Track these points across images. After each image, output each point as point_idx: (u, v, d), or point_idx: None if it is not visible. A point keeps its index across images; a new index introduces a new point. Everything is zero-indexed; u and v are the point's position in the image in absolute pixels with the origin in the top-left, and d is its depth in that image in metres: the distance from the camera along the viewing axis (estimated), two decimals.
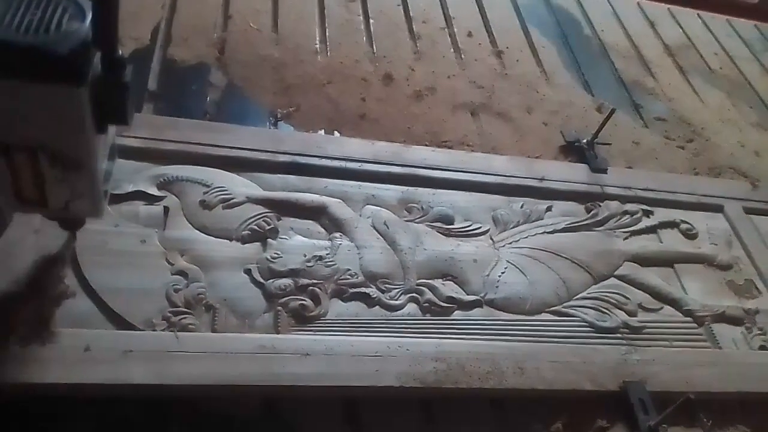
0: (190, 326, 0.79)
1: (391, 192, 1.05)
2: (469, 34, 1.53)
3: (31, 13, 0.56)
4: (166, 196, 0.91)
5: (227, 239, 0.90)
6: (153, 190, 0.91)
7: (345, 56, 1.33)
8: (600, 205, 1.15)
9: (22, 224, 0.80)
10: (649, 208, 1.19)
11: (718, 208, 1.24)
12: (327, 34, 1.37)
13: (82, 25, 0.57)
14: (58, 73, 0.56)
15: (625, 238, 1.12)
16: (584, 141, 1.28)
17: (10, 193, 0.65)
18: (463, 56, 1.46)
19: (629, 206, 1.17)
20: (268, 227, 0.92)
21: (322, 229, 0.96)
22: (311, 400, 0.79)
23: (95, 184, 0.67)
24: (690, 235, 1.18)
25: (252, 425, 0.76)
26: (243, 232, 0.91)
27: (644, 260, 1.09)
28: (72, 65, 0.56)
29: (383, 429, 0.80)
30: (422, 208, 1.04)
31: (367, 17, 1.46)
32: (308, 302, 0.85)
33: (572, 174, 1.19)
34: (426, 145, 1.17)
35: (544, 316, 0.96)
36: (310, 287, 0.87)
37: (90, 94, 0.58)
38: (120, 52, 0.59)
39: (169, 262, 0.84)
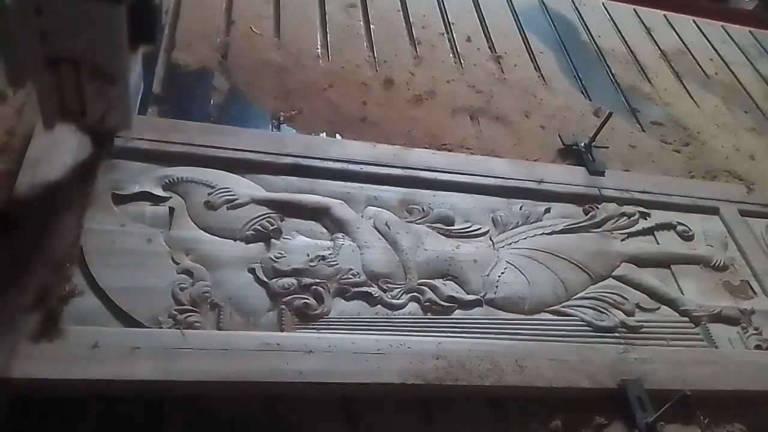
0: (195, 324, 0.80)
1: (393, 193, 1.06)
2: (468, 40, 1.55)
3: None
4: (171, 197, 0.93)
5: (231, 239, 0.91)
6: (159, 191, 0.93)
7: (346, 61, 1.35)
8: (597, 207, 1.17)
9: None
10: (645, 210, 1.20)
11: (713, 211, 1.26)
12: (328, 39, 1.39)
13: None
14: None
15: (623, 240, 1.14)
16: (582, 144, 1.30)
17: (55, 105, 0.75)
18: (462, 61, 1.48)
19: (626, 208, 1.19)
20: (272, 227, 0.94)
21: (325, 230, 0.97)
22: (312, 400, 0.80)
23: (128, 96, 0.78)
24: (686, 236, 1.19)
25: (252, 425, 0.77)
26: (247, 233, 0.92)
27: (641, 261, 1.11)
28: None
29: (383, 429, 0.81)
30: (423, 209, 1.06)
31: (367, 23, 1.48)
32: (311, 301, 0.87)
33: (570, 177, 1.21)
34: (426, 148, 1.18)
35: (543, 315, 0.97)
36: (313, 286, 0.88)
37: (126, 14, 0.69)
38: None
39: (174, 262, 0.85)
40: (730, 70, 1.82)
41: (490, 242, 1.05)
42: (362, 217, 1.01)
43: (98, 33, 0.70)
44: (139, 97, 0.86)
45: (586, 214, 1.16)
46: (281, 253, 0.91)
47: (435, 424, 0.83)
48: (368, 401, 0.82)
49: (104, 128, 0.83)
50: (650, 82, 1.65)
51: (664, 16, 1.95)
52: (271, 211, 0.96)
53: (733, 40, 1.97)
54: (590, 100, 1.51)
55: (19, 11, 0.68)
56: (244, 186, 0.98)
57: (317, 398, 0.80)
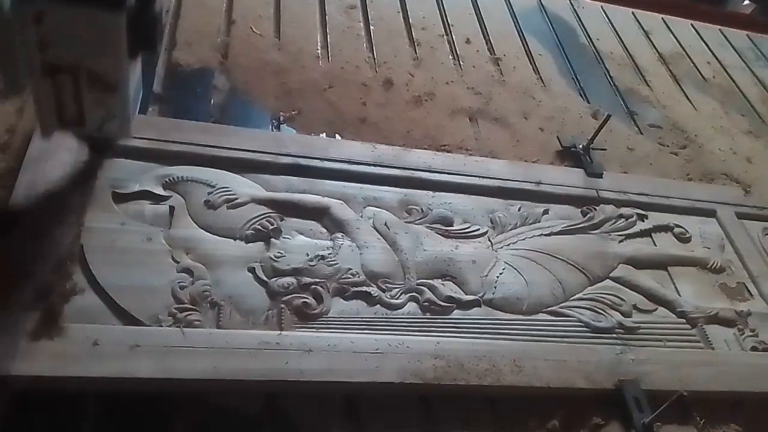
0: (195, 322, 0.80)
1: (392, 194, 1.07)
2: (468, 42, 1.55)
3: None
4: (171, 196, 0.93)
5: (231, 238, 0.91)
6: (159, 190, 0.93)
7: (346, 62, 1.35)
8: (595, 209, 1.18)
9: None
10: (643, 212, 1.21)
11: (710, 213, 1.26)
12: (328, 40, 1.39)
13: None
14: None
15: (620, 241, 1.14)
16: (580, 146, 1.30)
17: (53, 113, 0.74)
18: (461, 63, 1.48)
19: (624, 210, 1.19)
20: (272, 227, 0.94)
21: (324, 230, 0.98)
22: (311, 398, 0.80)
23: (126, 105, 0.77)
24: (683, 238, 1.20)
25: (251, 423, 0.77)
26: (247, 232, 0.92)
27: (639, 263, 1.11)
28: None
29: (383, 427, 0.81)
30: (422, 210, 1.06)
31: (367, 24, 1.48)
32: (311, 300, 0.87)
33: (568, 178, 1.22)
34: (425, 149, 1.19)
35: (541, 315, 0.98)
36: (313, 286, 0.89)
37: (126, 22, 0.69)
38: None
39: (174, 260, 0.85)
40: (728, 74, 1.83)
41: (489, 243, 1.06)
42: (362, 217, 1.01)
43: (97, 41, 0.69)
44: (138, 103, 0.85)
45: (584, 216, 1.16)
46: (281, 253, 0.91)
47: (434, 423, 0.83)
48: (368, 400, 0.82)
49: (102, 136, 0.82)
50: (648, 85, 1.66)
51: (662, 19, 1.95)
52: (270, 211, 0.96)
53: (730, 43, 1.97)
54: (588, 102, 1.51)
55: (19, 20, 0.66)
56: (244, 185, 0.98)
57: (317, 396, 0.81)
